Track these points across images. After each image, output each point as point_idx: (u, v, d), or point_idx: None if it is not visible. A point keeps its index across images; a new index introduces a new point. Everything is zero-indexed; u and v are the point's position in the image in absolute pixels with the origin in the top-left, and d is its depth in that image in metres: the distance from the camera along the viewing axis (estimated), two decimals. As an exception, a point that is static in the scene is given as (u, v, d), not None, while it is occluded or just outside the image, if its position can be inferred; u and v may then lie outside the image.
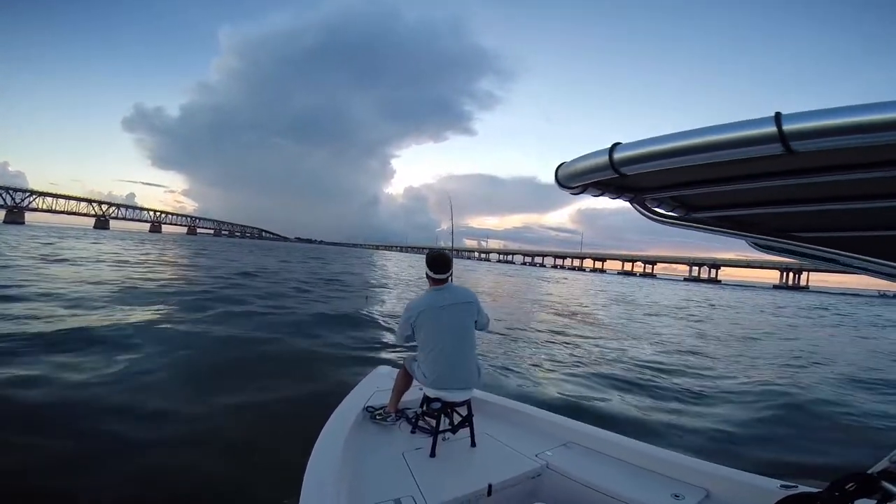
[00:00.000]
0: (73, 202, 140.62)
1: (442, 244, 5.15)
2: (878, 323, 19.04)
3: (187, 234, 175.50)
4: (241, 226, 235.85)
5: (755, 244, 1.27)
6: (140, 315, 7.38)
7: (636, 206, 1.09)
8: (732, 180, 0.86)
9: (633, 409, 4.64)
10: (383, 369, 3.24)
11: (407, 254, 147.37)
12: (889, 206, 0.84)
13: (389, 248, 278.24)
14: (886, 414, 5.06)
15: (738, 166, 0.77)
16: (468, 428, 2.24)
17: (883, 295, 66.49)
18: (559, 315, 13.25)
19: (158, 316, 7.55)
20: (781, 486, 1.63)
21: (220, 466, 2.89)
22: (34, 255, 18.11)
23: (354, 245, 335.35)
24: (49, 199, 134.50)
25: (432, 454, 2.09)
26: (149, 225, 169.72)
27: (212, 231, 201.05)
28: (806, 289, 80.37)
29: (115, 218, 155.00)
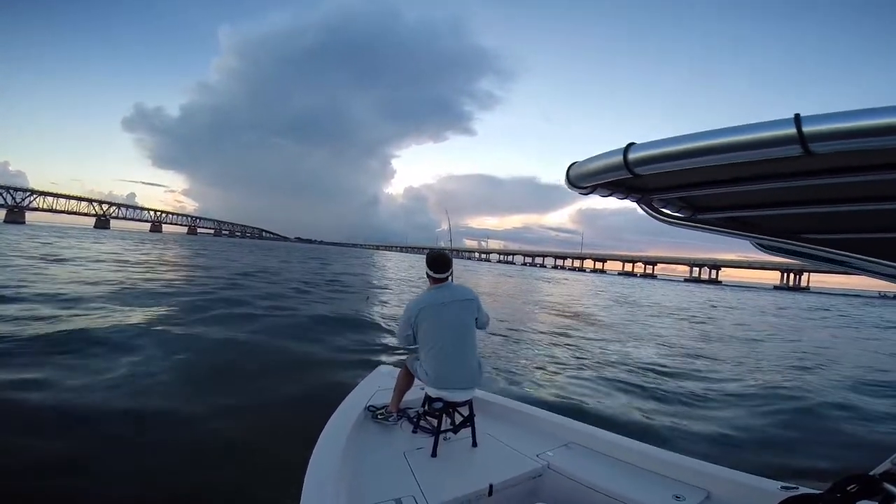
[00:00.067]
0: (73, 202, 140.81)
1: (442, 244, 5.14)
2: (881, 324, 19.05)
3: (188, 233, 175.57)
4: (242, 226, 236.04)
5: (760, 245, 1.27)
6: (140, 316, 7.38)
7: (643, 206, 1.10)
8: (742, 181, 0.86)
9: (635, 410, 4.63)
10: (385, 368, 3.24)
11: (407, 254, 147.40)
12: None
13: (389, 248, 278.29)
14: (889, 415, 5.06)
15: (749, 167, 0.77)
16: (469, 428, 2.24)
17: (883, 296, 66.54)
18: (561, 316, 13.25)
19: (158, 317, 7.54)
20: (782, 487, 1.62)
21: (220, 467, 2.89)
22: (34, 254, 18.12)
23: (354, 245, 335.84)
24: (49, 199, 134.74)
25: (433, 454, 2.10)
26: (149, 225, 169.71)
27: (212, 231, 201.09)
28: (807, 290, 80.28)
29: (116, 218, 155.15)
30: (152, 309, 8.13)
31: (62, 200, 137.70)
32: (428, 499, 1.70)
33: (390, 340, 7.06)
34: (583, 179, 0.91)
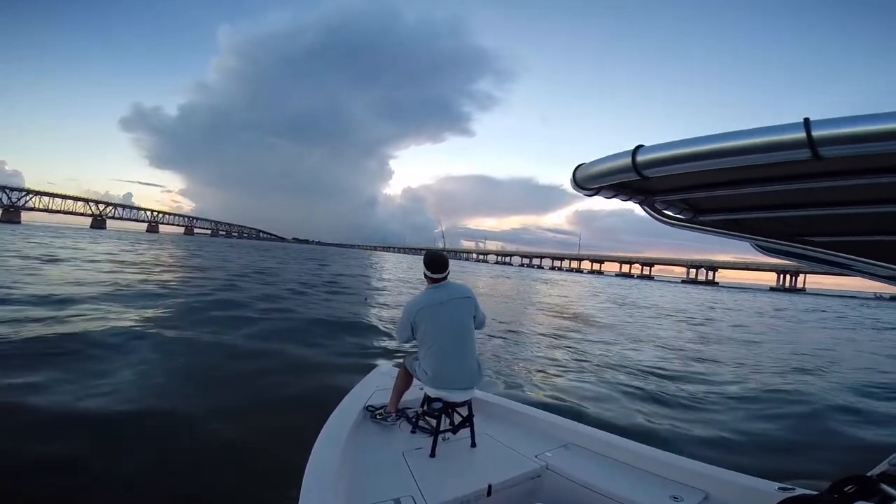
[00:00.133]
0: (69, 202, 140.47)
1: (441, 245, 5.16)
2: (878, 326, 19.15)
3: (184, 234, 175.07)
4: (239, 226, 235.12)
5: (759, 247, 1.27)
6: (136, 318, 7.34)
7: (646, 207, 1.11)
8: (745, 184, 0.87)
9: (634, 412, 4.64)
10: (384, 368, 3.24)
11: (405, 255, 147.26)
12: None
13: (387, 248, 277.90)
14: (886, 417, 5.08)
15: (753, 170, 0.77)
16: (468, 428, 2.24)
17: (879, 297, 66.98)
18: (560, 317, 13.26)
19: (154, 319, 7.50)
20: (780, 488, 1.63)
21: (219, 467, 2.88)
22: (29, 254, 17.99)
23: (352, 246, 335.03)
24: (46, 199, 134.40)
25: (432, 454, 2.10)
26: (146, 225, 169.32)
27: (209, 231, 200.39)
28: (803, 291, 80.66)
29: (112, 218, 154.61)
30: (148, 311, 8.07)
31: (58, 200, 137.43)
32: (427, 499, 1.70)
33: (389, 343, 7.04)
34: (590, 181, 0.92)
